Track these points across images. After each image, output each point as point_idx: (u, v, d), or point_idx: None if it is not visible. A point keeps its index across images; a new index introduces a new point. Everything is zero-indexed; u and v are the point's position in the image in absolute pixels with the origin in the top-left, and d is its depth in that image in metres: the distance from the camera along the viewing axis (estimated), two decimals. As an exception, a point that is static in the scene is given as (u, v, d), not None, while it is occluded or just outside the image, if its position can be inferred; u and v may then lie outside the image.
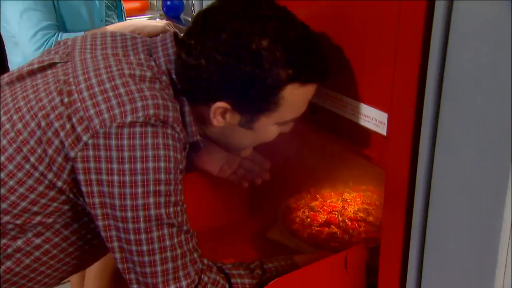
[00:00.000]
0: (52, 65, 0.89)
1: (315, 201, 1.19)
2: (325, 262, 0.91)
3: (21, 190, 0.82)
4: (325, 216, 1.13)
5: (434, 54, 0.71)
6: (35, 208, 0.83)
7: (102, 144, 0.77)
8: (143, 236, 0.79)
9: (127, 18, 1.95)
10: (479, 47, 0.65)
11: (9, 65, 1.74)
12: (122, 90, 0.80)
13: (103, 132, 0.77)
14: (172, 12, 2.52)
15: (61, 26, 1.57)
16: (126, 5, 2.01)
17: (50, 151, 0.80)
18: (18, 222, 0.83)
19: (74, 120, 0.78)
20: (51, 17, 1.52)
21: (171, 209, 0.81)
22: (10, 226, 0.83)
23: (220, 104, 0.85)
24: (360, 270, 0.93)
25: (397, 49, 0.77)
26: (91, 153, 0.78)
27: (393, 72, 0.79)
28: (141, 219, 0.79)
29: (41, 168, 0.81)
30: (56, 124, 0.79)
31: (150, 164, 0.78)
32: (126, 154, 0.78)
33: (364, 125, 0.87)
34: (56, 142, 0.79)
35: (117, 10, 1.82)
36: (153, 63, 0.86)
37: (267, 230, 1.16)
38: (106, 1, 1.75)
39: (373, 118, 0.85)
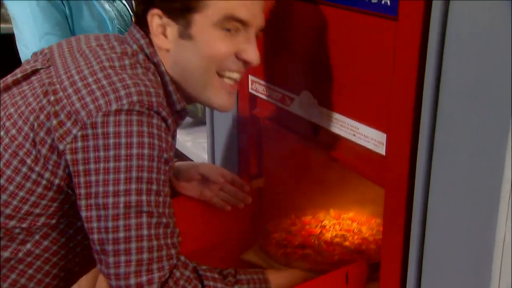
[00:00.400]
0: (35, 71, 0.93)
1: (294, 226, 1.20)
2: (327, 277, 0.92)
3: (22, 193, 0.85)
4: (302, 239, 1.13)
5: (430, 76, 0.73)
6: (37, 210, 0.86)
7: (90, 134, 0.79)
8: (121, 222, 0.79)
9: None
10: (474, 68, 0.68)
11: None
12: (105, 82, 0.82)
13: (90, 123, 0.79)
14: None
15: None
16: None
17: (44, 151, 0.83)
18: (24, 225, 0.86)
19: (62, 116, 0.81)
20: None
21: (152, 198, 0.80)
22: (17, 230, 0.87)
23: (155, 11, 0.89)
24: (360, 286, 0.94)
25: (394, 71, 0.80)
26: (79, 144, 0.80)
27: (391, 94, 0.81)
28: (121, 205, 0.78)
29: (37, 168, 0.84)
30: (47, 124, 0.82)
31: (134, 151, 0.79)
32: (111, 141, 0.79)
33: (363, 145, 0.89)
34: (49, 140, 0.82)
35: None
36: (126, 46, 0.91)
37: (243, 252, 1.15)
38: (119, 27, 1.79)
39: (372, 138, 0.87)
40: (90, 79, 0.83)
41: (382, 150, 0.86)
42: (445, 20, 0.70)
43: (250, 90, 1.15)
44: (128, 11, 1.87)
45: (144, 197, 0.79)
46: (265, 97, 1.11)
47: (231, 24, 0.89)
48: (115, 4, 1.79)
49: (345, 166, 0.98)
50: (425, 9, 0.73)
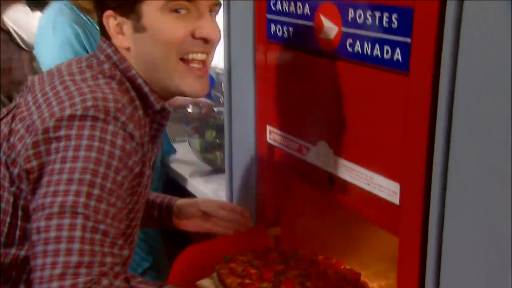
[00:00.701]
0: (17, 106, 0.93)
1: (258, 260, 1.15)
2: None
3: (8, 219, 0.85)
4: (262, 273, 1.08)
5: (441, 127, 0.76)
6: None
7: (41, 140, 0.78)
8: (54, 222, 0.73)
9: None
10: (484, 120, 0.70)
11: None
12: (62, 93, 0.83)
13: (42, 129, 0.79)
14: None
15: None
16: None
17: (16, 170, 0.82)
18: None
19: (23, 131, 0.83)
20: None
21: (92, 202, 0.75)
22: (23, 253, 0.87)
23: (108, 13, 0.90)
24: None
25: (406, 123, 0.82)
26: (31, 152, 0.79)
27: (403, 144, 0.83)
28: (57, 204, 0.74)
29: (13, 189, 0.84)
30: (17, 144, 0.83)
31: (81, 153, 0.76)
32: (62, 144, 0.77)
33: (377, 194, 0.90)
34: (17, 158, 0.82)
35: None
36: (93, 59, 0.93)
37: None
38: None
39: (386, 188, 0.89)
40: (50, 93, 0.85)
41: (396, 200, 0.87)
42: (454, 76, 0.73)
43: (268, 140, 1.18)
44: None
45: (82, 199, 0.74)
46: (283, 147, 1.14)
47: (177, 3, 0.88)
48: None
49: (360, 215, 1.00)
50: (435, 65, 0.76)
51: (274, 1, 1.08)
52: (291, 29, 1.05)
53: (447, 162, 0.76)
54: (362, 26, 0.88)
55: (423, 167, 0.80)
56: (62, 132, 0.78)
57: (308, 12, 0.99)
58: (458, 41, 0.72)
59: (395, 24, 0.83)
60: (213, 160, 1.77)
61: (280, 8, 1.06)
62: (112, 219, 0.77)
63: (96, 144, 0.78)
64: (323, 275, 1.10)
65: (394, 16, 0.83)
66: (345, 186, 0.99)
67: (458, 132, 0.74)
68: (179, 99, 1.77)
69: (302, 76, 1.06)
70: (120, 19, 0.91)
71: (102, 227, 0.75)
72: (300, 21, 1.02)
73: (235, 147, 1.33)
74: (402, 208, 0.86)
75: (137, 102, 0.91)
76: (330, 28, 0.95)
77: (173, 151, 1.96)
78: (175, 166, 1.88)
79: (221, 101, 2.29)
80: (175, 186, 1.84)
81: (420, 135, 0.80)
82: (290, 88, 1.09)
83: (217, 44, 0.95)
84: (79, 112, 0.79)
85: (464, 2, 0.71)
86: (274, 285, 1.05)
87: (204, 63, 0.94)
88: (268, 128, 1.17)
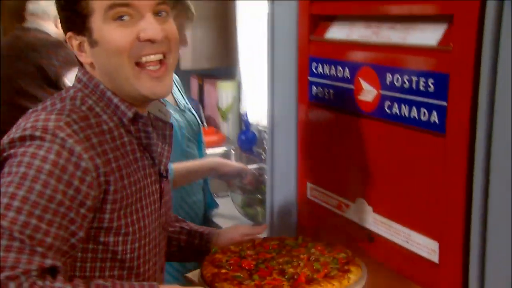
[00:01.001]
0: None
1: (251, 250, 1.13)
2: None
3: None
4: (246, 263, 1.07)
5: (478, 186, 0.77)
6: None
7: None
8: None
9: (206, 150, 2.13)
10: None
11: None
12: (22, 122, 0.89)
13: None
14: (245, 144, 2.70)
15: None
16: (205, 138, 2.20)
17: None
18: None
19: None
20: None
21: (10, 214, 0.78)
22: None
23: (68, 35, 0.95)
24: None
25: (444, 182, 0.84)
26: None
27: (441, 203, 0.85)
28: None
29: None
30: None
31: (13, 169, 0.82)
32: (9, 161, 0.83)
33: (416, 252, 0.91)
34: None
35: (197, 142, 2.00)
36: (69, 87, 0.99)
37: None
38: (187, 135, 1.93)
39: (425, 246, 0.90)
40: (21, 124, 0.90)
41: (435, 258, 0.88)
42: (490, 136, 0.76)
43: (308, 196, 1.21)
44: (197, 120, 2.02)
45: (1, 211, 0.79)
46: (323, 203, 1.16)
47: (118, 11, 0.91)
48: (184, 115, 1.94)
49: (398, 272, 1.00)
50: (470, 126, 0.79)
51: (316, 65, 1.14)
52: (331, 91, 1.10)
53: (486, 220, 0.77)
54: (400, 90, 0.93)
55: (461, 226, 0.81)
56: (11, 151, 0.84)
57: (348, 75, 1.04)
58: (493, 104, 0.75)
59: (431, 88, 0.86)
60: (255, 216, 1.80)
61: (322, 71, 1.12)
62: (34, 231, 0.80)
63: (26, 159, 0.82)
64: (314, 261, 1.05)
65: (430, 81, 0.87)
66: (384, 243, 1.00)
67: (495, 190, 0.76)
68: (227, 167, 1.82)
69: (342, 135, 1.10)
70: (79, 38, 0.95)
71: (17, 235, 0.78)
72: (340, 84, 1.07)
73: (276, 204, 1.36)
74: (441, 266, 0.86)
75: (105, 116, 0.94)
76: (369, 91, 1.00)
77: (216, 205, 2.01)
78: (218, 220, 1.91)
79: (263, 158, 2.34)
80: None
81: (458, 194, 0.82)
82: (331, 146, 1.13)
83: (175, 42, 0.96)
84: (27, 132, 0.85)
85: (498, 69, 0.74)
86: (250, 273, 1.02)
87: (162, 62, 0.95)
88: (309, 185, 1.21)
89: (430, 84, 0.87)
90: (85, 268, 0.92)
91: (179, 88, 2.01)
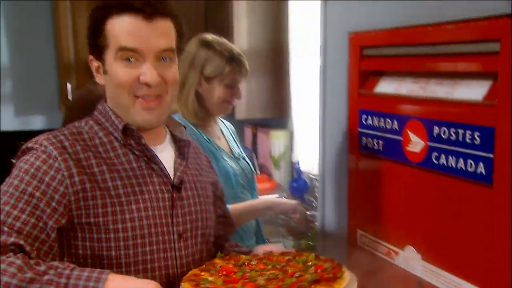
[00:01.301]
0: None
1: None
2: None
3: None
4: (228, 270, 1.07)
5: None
6: None
7: None
8: None
9: (258, 197, 2.18)
10: None
11: None
12: None
13: None
14: (297, 192, 2.74)
15: None
16: (258, 185, 2.26)
17: None
18: None
19: None
20: None
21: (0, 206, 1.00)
22: None
23: (90, 57, 1.15)
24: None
25: (492, 232, 0.86)
26: None
27: (490, 252, 0.86)
28: None
29: None
30: None
31: (14, 172, 1.05)
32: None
33: (465, 300, 0.92)
34: None
35: (250, 189, 2.06)
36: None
37: None
38: (242, 182, 1.99)
39: (474, 295, 0.90)
40: None
41: (484, 307, 0.88)
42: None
43: (358, 243, 1.24)
44: (251, 168, 2.09)
45: None
46: (372, 250, 1.19)
47: (125, 53, 1.08)
48: (239, 163, 2.01)
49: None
50: (516, 178, 0.82)
51: (366, 117, 1.19)
52: (380, 141, 1.14)
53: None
54: (447, 141, 0.96)
55: (509, 274, 0.82)
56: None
57: (397, 127, 1.09)
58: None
59: (477, 141, 0.90)
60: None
61: (371, 123, 1.17)
62: (6, 216, 0.99)
63: (18, 165, 1.06)
64: (297, 275, 1.03)
65: (476, 134, 0.90)
66: (434, 291, 1.01)
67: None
68: (282, 205, 1.87)
69: (391, 184, 1.13)
70: (97, 62, 1.14)
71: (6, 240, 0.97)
72: (389, 135, 1.11)
73: (327, 249, 1.39)
74: (490, 316, 0.87)
75: (101, 133, 1.14)
76: (417, 142, 1.03)
77: (267, 251, 2.05)
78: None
79: (314, 205, 2.37)
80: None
81: (505, 243, 0.83)
82: (380, 195, 1.16)
83: (172, 84, 1.12)
84: (29, 145, 1.09)
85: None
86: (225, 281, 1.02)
87: (159, 96, 1.11)
88: (359, 232, 1.24)
89: (476, 136, 0.90)
90: (87, 266, 1.05)
91: (234, 137, 2.09)
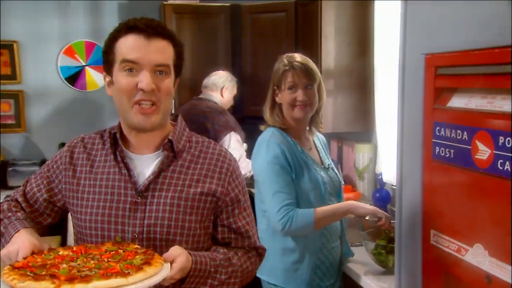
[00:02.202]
0: None
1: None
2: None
3: None
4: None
5: None
6: None
7: None
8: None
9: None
10: None
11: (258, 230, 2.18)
12: None
13: None
14: (380, 202, 2.83)
15: (296, 204, 1.99)
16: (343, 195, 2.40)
17: None
18: None
19: None
20: (291, 197, 1.95)
21: (22, 187, 1.51)
22: None
23: (103, 73, 1.38)
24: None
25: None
26: None
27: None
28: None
29: None
30: None
31: None
32: None
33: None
34: None
35: (337, 197, 2.21)
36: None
37: None
38: (329, 190, 2.14)
39: (533, 285, 1.00)
40: None
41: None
42: None
43: (431, 242, 1.35)
44: (338, 178, 2.23)
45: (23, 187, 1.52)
46: (444, 248, 1.29)
47: (127, 65, 1.29)
48: (328, 172, 2.16)
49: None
50: None
51: (439, 129, 1.31)
52: (452, 150, 1.26)
53: None
54: (510, 150, 1.06)
55: None
56: None
57: (466, 138, 1.20)
58: None
59: (536, 149, 1.00)
60: (385, 263, 1.93)
61: (444, 134, 1.29)
62: (22, 193, 1.51)
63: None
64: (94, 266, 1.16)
65: (535, 142, 1.00)
66: (501, 284, 1.11)
67: None
68: (361, 208, 2.00)
69: (461, 188, 1.24)
70: (108, 77, 1.36)
71: (16, 194, 1.53)
72: (459, 145, 1.23)
73: (403, 250, 1.51)
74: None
75: (106, 136, 1.43)
76: (484, 151, 1.14)
77: (351, 254, 2.17)
78: (351, 265, 2.08)
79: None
80: (351, 283, 2.03)
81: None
82: (451, 198, 1.27)
83: (165, 94, 1.31)
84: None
85: None
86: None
87: (154, 105, 1.31)
88: (432, 232, 1.35)
89: (535, 145, 1.00)
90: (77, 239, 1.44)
91: (324, 149, 2.25)
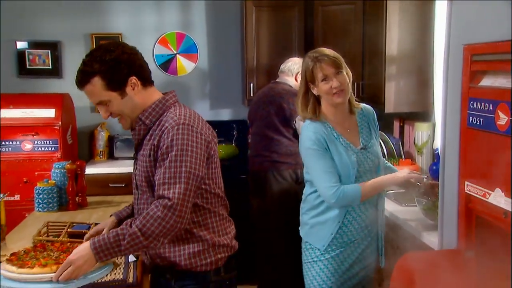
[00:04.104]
0: None
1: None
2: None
3: None
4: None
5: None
6: None
7: None
8: None
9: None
10: None
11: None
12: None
13: None
14: (436, 173, 3.13)
15: (339, 180, 2.27)
16: (403, 168, 2.74)
17: None
18: None
19: None
20: (335, 176, 2.28)
21: None
22: None
23: (133, 79, 1.79)
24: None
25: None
26: None
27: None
28: None
29: None
30: None
31: None
32: None
33: (527, 217, 1.38)
34: None
35: (375, 172, 2.41)
36: None
37: None
38: (365, 168, 2.38)
39: (532, 214, 1.36)
40: None
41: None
42: None
43: (465, 191, 1.71)
44: (377, 155, 2.43)
45: None
46: (474, 194, 1.66)
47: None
48: (364, 153, 2.37)
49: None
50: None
51: (473, 103, 1.66)
52: (481, 119, 1.62)
53: None
54: (520, 116, 1.42)
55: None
56: None
57: (491, 108, 1.56)
58: None
59: (538, 115, 1.35)
60: (433, 215, 2.30)
61: (475, 106, 1.64)
62: None
63: None
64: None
65: (536, 110, 1.35)
66: (513, 218, 1.47)
67: None
68: (396, 180, 2.37)
69: (487, 147, 1.60)
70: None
71: None
72: (486, 114, 1.59)
73: (446, 197, 1.88)
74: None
75: None
76: (504, 118, 1.50)
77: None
78: (409, 223, 2.46)
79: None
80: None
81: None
82: (479, 155, 1.63)
83: (118, 113, 1.83)
84: None
85: None
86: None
87: (120, 117, 1.85)
88: (466, 182, 1.71)
89: (537, 112, 1.35)
90: None
91: (370, 124, 2.48)
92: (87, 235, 1.93)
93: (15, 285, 1.52)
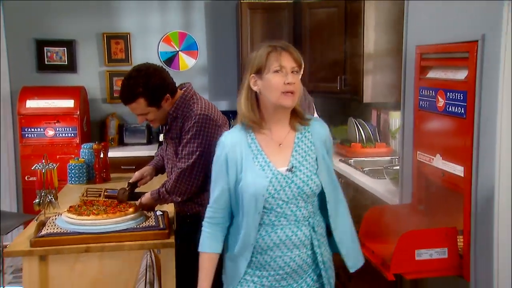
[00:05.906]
0: None
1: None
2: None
3: None
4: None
5: None
6: None
7: None
8: None
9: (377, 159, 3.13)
10: None
11: None
12: None
13: None
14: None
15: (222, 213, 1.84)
16: (378, 150, 3.19)
17: None
18: None
19: None
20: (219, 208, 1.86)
21: None
22: None
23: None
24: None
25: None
26: None
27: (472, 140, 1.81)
28: None
29: None
30: None
31: None
32: None
33: (451, 171, 1.87)
34: None
35: (300, 204, 1.76)
36: None
37: None
38: (283, 195, 1.77)
39: (454, 167, 1.85)
40: None
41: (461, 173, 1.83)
42: None
43: (418, 158, 2.20)
44: (306, 182, 1.76)
45: None
46: (423, 160, 2.15)
47: None
48: (288, 177, 1.75)
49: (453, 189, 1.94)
50: None
51: (422, 90, 2.15)
52: (427, 103, 2.10)
53: None
54: (452, 99, 1.91)
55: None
56: None
57: (433, 94, 2.04)
58: None
59: (461, 98, 1.84)
60: (396, 179, 2.79)
61: (423, 93, 2.13)
62: None
63: None
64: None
65: (460, 95, 1.84)
66: (449, 176, 1.95)
67: None
68: None
69: (430, 123, 2.09)
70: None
71: None
72: (430, 99, 2.07)
73: (405, 165, 2.37)
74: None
75: None
76: (441, 101, 1.99)
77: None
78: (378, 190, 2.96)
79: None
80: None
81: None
82: (425, 130, 2.12)
83: (153, 121, 2.44)
84: None
85: None
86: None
87: (152, 122, 2.46)
88: (418, 152, 2.20)
89: (460, 97, 1.84)
90: None
91: (315, 146, 1.81)
92: (132, 178, 2.64)
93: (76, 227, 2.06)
